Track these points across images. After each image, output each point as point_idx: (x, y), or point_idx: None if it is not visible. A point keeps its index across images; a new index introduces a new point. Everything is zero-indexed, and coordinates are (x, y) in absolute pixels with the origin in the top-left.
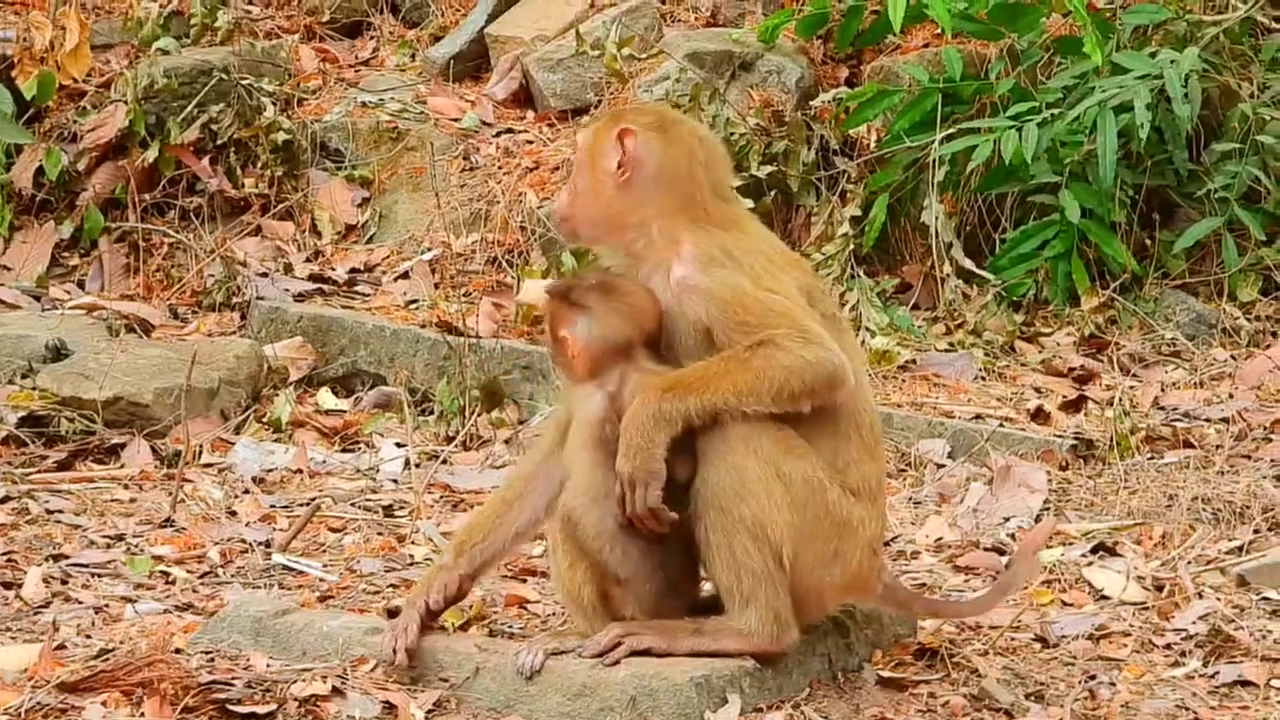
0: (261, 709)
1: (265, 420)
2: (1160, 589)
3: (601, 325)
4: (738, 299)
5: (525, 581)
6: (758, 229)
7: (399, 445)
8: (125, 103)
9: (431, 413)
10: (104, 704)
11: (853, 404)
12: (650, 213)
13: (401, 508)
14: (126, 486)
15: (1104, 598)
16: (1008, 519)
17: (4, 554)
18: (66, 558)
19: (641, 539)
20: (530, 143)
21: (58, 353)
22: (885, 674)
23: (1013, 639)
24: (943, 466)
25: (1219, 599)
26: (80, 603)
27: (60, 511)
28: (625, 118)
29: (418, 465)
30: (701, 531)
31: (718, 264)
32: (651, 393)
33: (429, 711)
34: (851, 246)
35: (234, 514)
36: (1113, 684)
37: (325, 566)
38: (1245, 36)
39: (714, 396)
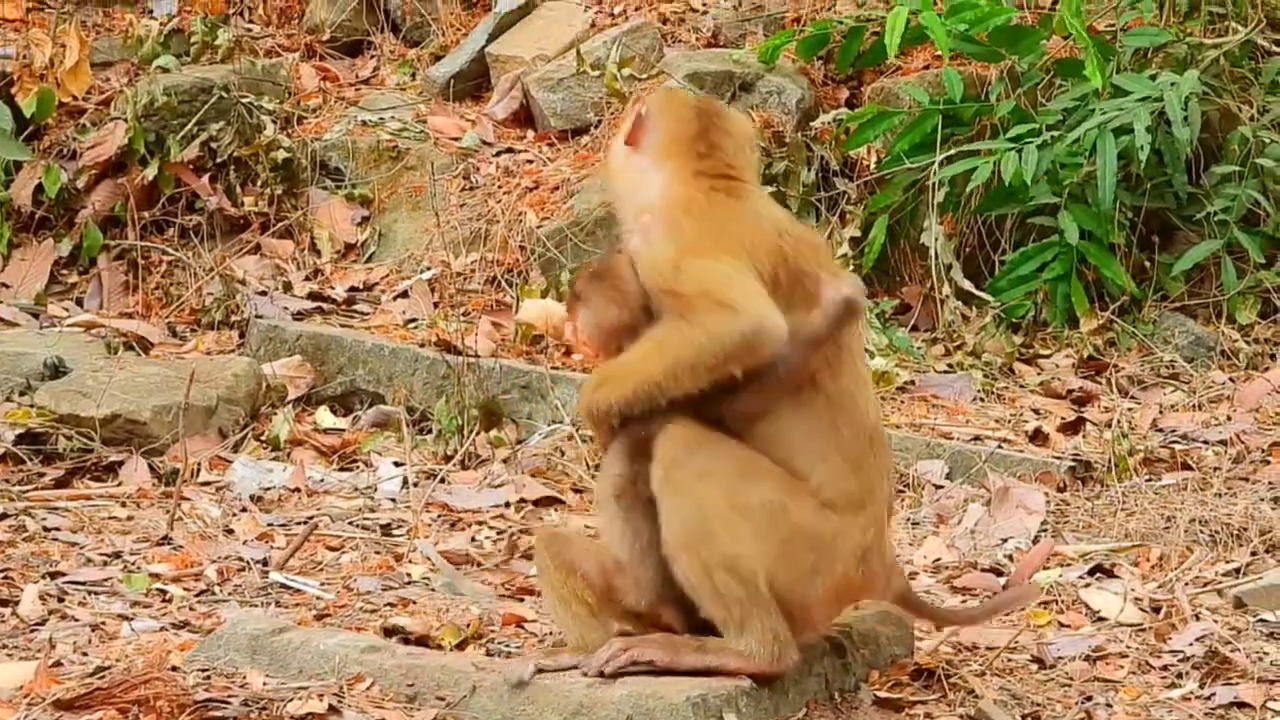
0: None
1: (263, 439)
2: (1157, 611)
3: (595, 312)
4: (659, 266)
5: (523, 601)
6: (755, 204)
7: (397, 464)
8: (125, 120)
9: (430, 432)
10: None
11: (830, 419)
12: (648, 174)
13: (399, 526)
14: (124, 504)
15: (1101, 619)
16: (1005, 540)
17: (1, 571)
18: (63, 575)
19: (639, 518)
20: (530, 162)
21: (56, 370)
22: (882, 694)
23: (1010, 660)
24: (941, 487)
25: (1216, 621)
26: (77, 620)
27: (57, 529)
28: None
29: (415, 484)
30: (679, 573)
31: (661, 225)
32: (586, 389)
33: None
34: (851, 267)
35: (231, 532)
36: (1109, 705)
37: (322, 585)
38: (1245, 59)
39: (635, 387)
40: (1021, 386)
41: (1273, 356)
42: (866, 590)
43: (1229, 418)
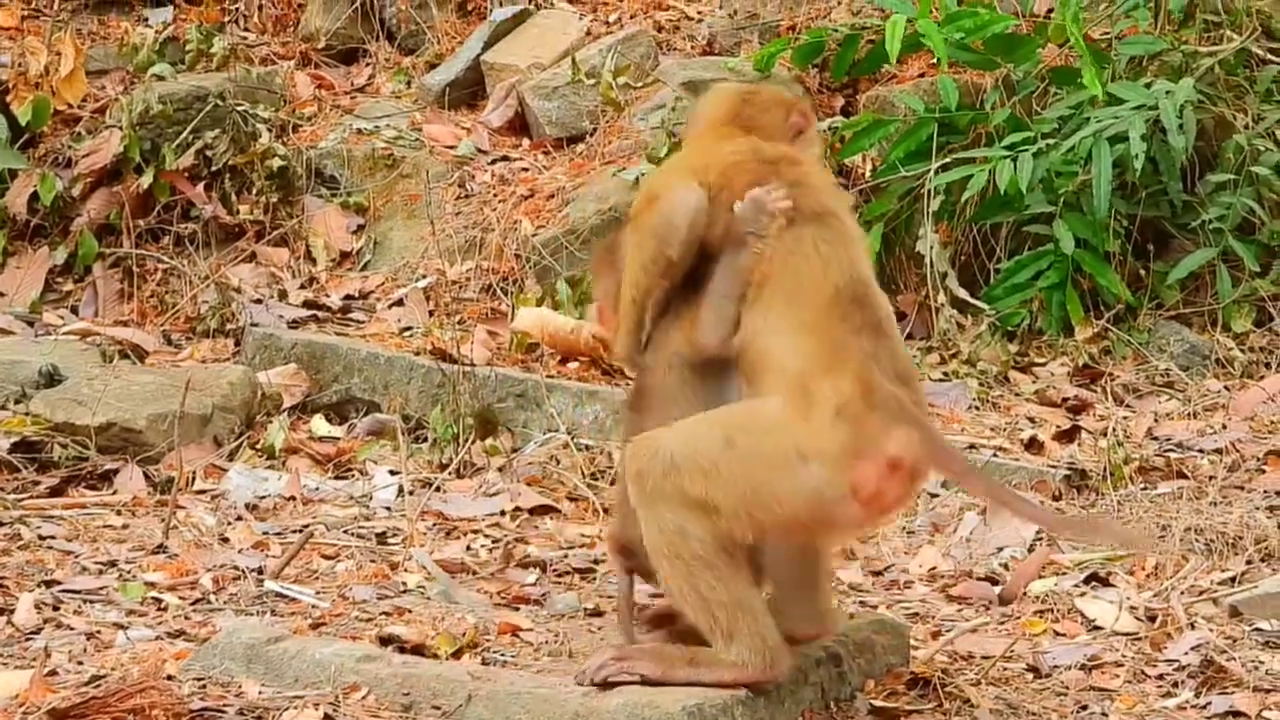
0: None
1: (259, 447)
2: (1153, 619)
3: (601, 287)
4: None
5: (518, 610)
6: (742, 141)
7: (392, 473)
8: (120, 128)
9: (425, 440)
10: None
11: (783, 303)
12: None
13: (394, 535)
14: (119, 513)
15: (1096, 628)
16: (1001, 549)
17: None
18: (59, 584)
19: None
20: (525, 170)
21: (51, 378)
22: (878, 703)
23: (1005, 669)
24: (936, 496)
25: (1211, 630)
26: (72, 629)
27: (53, 538)
28: None
29: (411, 493)
30: (663, 584)
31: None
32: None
33: None
34: None
35: (227, 541)
36: (1105, 714)
37: (318, 593)
38: (1240, 68)
39: (625, 315)
40: (1017, 395)
41: (1267, 365)
42: (867, 441)
43: (1224, 426)
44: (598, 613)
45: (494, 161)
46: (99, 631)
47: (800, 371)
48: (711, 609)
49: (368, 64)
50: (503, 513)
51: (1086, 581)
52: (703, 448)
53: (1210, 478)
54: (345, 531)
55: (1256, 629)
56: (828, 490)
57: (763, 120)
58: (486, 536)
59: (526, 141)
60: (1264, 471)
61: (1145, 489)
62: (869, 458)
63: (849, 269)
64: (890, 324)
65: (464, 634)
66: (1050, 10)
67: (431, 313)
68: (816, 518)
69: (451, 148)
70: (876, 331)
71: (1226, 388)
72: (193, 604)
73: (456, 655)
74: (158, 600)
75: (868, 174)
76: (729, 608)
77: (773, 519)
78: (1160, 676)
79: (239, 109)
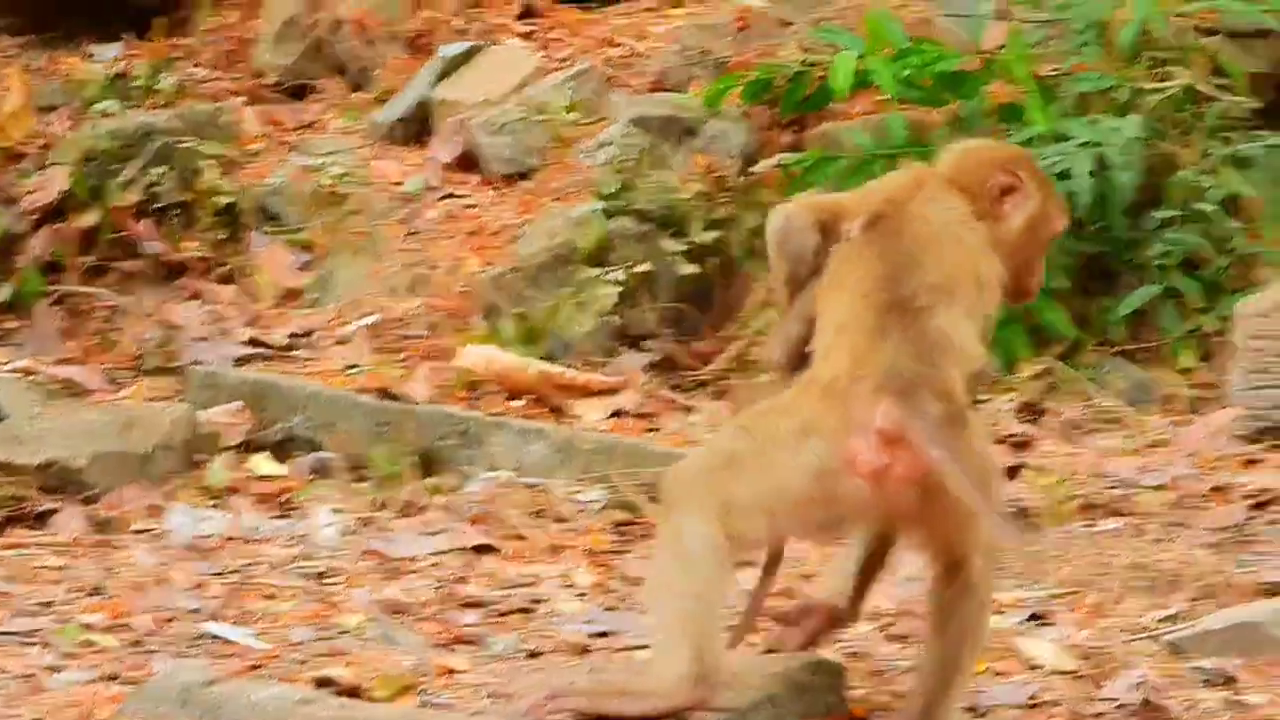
0: None
1: (200, 486)
2: (1092, 658)
3: None
4: None
5: (457, 651)
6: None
7: (334, 511)
8: (66, 165)
9: (368, 479)
10: None
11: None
12: None
13: (335, 575)
14: (58, 553)
15: (1035, 667)
16: None
17: None
18: None
19: None
20: (473, 207)
21: None
22: None
23: None
24: None
25: (1151, 668)
26: (6, 672)
27: None
28: None
29: (353, 532)
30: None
31: None
32: None
33: None
34: None
35: (165, 581)
36: None
37: (257, 635)
38: (1188, 104)
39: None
40: None
41: (1213, 400)
42: (855, 414)
43: (1168, 463)
44: (537, 653)
45: (442, 198)
46: (34, 674)
47: (815, 359)
48: (668, 610)
49: (317, 100)
50: (444, 552)
51: (1026, 620)
52: (723, 440)
53: (1152, 515)
54: (285, 571)
55: (1196, 667)
56: (827, 463)
57: (967, 179)
58: (427, 576)
59: (475, 178)
60: (1206, 508)
61: (1087, 526)
62: (859, 431)
63: (879, 255)
64: (925, 296)
65: (402, 676)
66: (1001, 46)
67: (376, 350)
68: (825, 495)
69: (399, 184)
70: (896, 308)
71: (1172, 424)
72: (129, 646)
73: (396, 697)
74: (94, 643)
75: None
76: (684, 616)
77: (784, 502)
78: (1099, 715)
79: (186, 146)
